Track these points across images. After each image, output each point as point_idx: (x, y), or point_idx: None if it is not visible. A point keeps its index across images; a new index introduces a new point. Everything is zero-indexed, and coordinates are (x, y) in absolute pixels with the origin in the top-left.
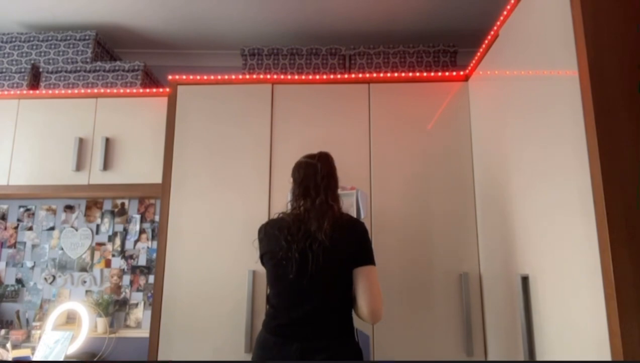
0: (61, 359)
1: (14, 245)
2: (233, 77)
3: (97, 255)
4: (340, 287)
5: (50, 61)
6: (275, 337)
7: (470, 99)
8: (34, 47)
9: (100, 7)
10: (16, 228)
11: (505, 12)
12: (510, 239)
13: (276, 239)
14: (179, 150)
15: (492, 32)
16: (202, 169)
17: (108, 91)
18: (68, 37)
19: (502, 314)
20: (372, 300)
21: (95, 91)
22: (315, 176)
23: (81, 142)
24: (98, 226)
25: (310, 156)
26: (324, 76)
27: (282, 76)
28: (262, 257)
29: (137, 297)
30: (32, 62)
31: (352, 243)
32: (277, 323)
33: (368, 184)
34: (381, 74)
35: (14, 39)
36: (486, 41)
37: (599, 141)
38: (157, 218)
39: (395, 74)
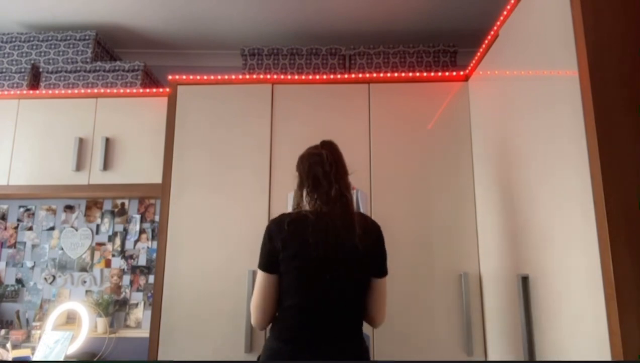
0: (61, 359)
1: (14, 245)
2: (233, 77)
3: (97, 255)
4: (362, 293)
5: (50, 61)
6: (292, 345)
7: (470, 99)
8: (34, 47)
9: (100, 7)
10: (16, 228)
11: (505, 12)
12: (510, 239)
13: (303, 239)
14: (179, 150)
15: (492, 32)
16: (202, 169)
17: (108, 91)
18: (68, 37)
19: (502, 314)
20: (383, 312)
21: (95, 91)
22: (323, 164)
23: (81, 142)
24: (98, 226)
25: (314, 147)
26: (324, 76)
27: (282, 76)
28: (280, 258)
29: (137, 297)
30: (32, 62)
31: (379, 256)
32: (293, 332)
33: (368, 184)
34: (381, 74)
35: (14, 39)
36: (486, 41)
37: (599, 141)
38: (157, 218)
39: (395, 74)
